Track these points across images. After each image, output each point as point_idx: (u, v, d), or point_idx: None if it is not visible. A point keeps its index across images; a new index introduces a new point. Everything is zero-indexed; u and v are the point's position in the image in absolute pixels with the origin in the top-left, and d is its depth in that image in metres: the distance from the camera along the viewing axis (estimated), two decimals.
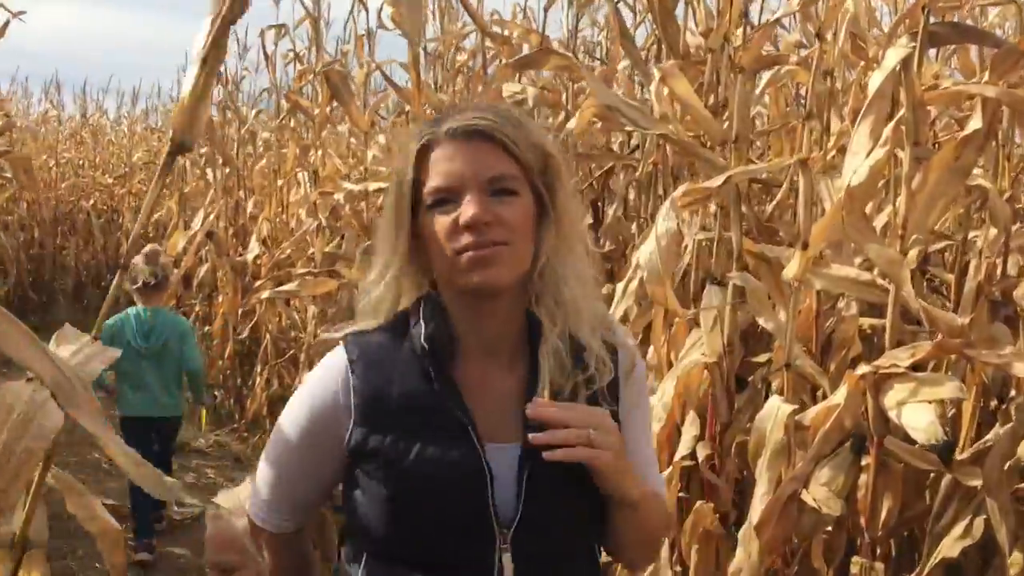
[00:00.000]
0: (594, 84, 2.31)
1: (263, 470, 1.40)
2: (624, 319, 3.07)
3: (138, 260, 4.60)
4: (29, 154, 4.13)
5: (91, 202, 12.67)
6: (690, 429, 2.36)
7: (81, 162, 13.24)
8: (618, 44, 3.46)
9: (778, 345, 2.36)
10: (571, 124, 2.88)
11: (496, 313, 1.28)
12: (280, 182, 6.10)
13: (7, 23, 5.19)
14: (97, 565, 4.29)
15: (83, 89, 14.68)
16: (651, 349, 2.93)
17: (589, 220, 3.91)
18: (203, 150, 8.21)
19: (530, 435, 1.21)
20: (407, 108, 4.57)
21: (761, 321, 2.28)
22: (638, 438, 1.37)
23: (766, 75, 3.14)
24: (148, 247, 4.76)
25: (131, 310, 4.62)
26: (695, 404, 2.41)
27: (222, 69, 7.39)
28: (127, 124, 14.12)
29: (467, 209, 1.21)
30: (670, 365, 2.81)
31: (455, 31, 4.72)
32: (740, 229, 2.34)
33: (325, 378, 1.33)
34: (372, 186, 4.50)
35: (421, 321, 1.29)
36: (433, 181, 1.25)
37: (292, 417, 1.36)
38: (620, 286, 3.16)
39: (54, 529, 1.26)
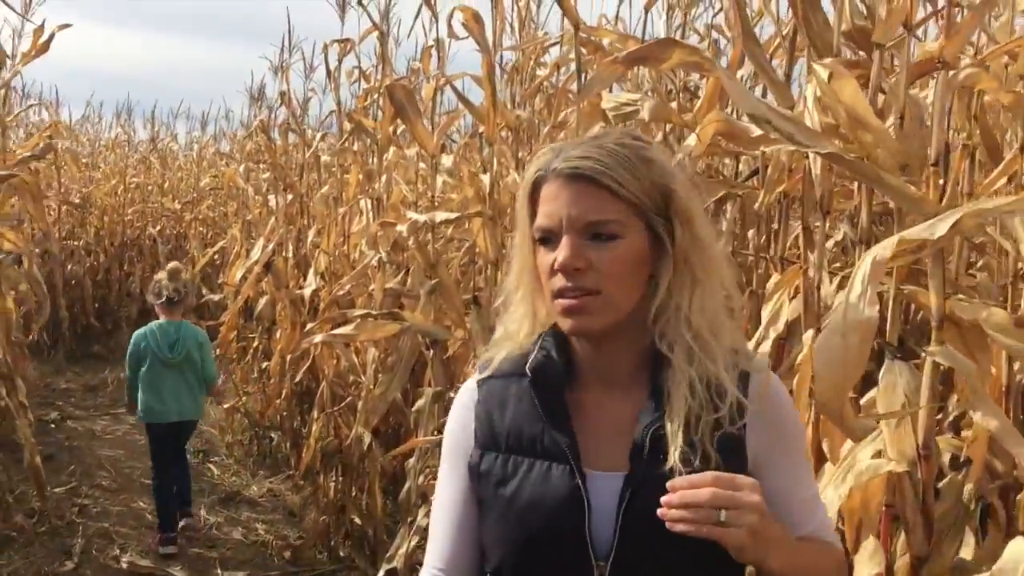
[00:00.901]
0: (733, 87, 1.69)
1: (432, 520, 1.42)
2: None
3: (162, 276, 5.09)
4: (36, 181, 3.71)
5: (158, 228, 12.44)
6: (868, 565, 1.68)
7: (149, 187, 13.05)
8: (737, 47, 2.82)
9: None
10: (689, 142, 2.25)
11: (611, 347, 1.31)
12: (342, 210, 5.57)
13: (51, 37, 4.83)
14: None
15: (152, 113, 14.57)
16: None
17: None
18: (266, 175, 7.80)
19: (659, 511, 1.13)
20: (481, 129, 3.99)
21: (977, 417, 1.60)
22: (789, 476, 1.30)
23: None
24: (171, 264, 5.25)
25: (155, 323, 5.04)
26: (873, 527, 1.74)
27: (285, 89, 6.96)
28: (197, 149, 13.94)
29: (560, 253, 1.25)
30: (820, 456, 2.15)
31: (537, 37, 4.13)
32: (943, 286, 1.67)
33: (459, 400, 1.42)
34: (439, 216, 3.93)
35: (537, 349, 1.34)
36: (539, 219, 1.29)
37: (444, 446, 1.43)
38: None
39: None
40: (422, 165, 4.76)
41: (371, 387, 4.40)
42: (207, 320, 8.71)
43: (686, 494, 1.12)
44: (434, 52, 4.32)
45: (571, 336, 1.31)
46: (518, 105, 4.23)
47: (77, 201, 11.31)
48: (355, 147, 5.59)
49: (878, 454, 1.81)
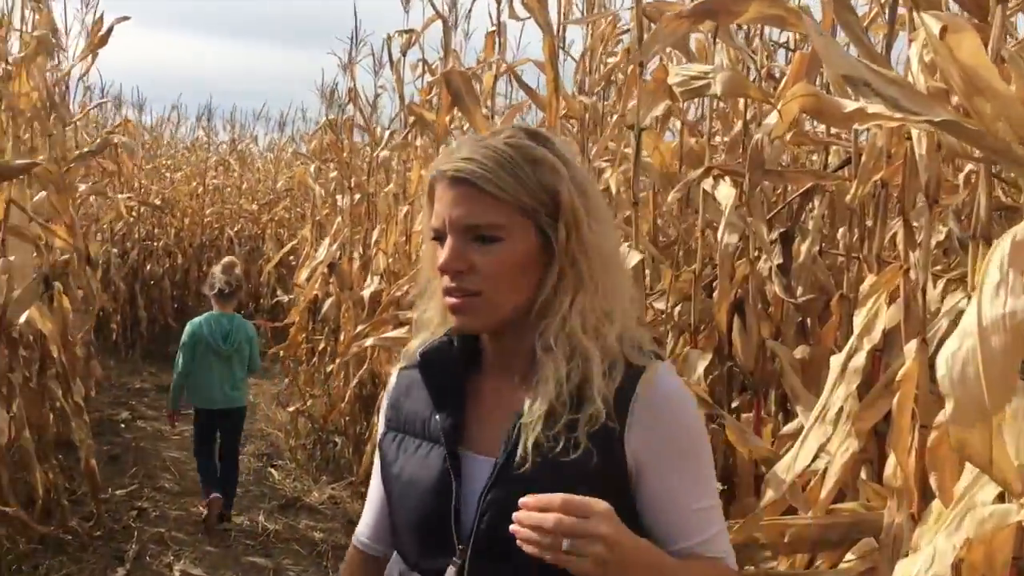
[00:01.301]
0: (824, 44, 1.38)
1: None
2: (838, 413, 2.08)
3: (216, 270, 5.34)
4: (59, 172, 3.57)
5: (235, 229, 12.50)
6: None
7: (228, 189, 13.14)
8: (828, 16, 2.47)
9: None
10: (770, 120, 1.92)
11: (507, 340, 1.33)
12: (404, 208, 5.36)
13: (109, 30, 4.74)
14: None
15: (232, 115, 14.71)
16: (889, 463, 1.92)
17: (778, 260, 2.91)
18: (334, 174, 7.67)
19: (510, 527, 1.13)
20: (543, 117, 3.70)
21: None
22: (675, 482, 1.26)
23: None
24: (226, 259, 5.53)
25: (209, 314, 5.24)
26: None
27: (352, 85, 6.80)
28: (275, 151, 14.01)
29: (443, 255, 1.28)
30: (924, 495, 1.80)
31: (607, 13, 3.82)
32: None
33: (387, 388, 1.50)
34: None
35: (441, 337, 1.38)
36: (432, 219, 1.32)
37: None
38: (834, 361, 2.17)
39: None
40: None
41: None
42: (278, 321, 8.67)
43: (533, 516, 1.11)
44: (498, 39, 4.05)
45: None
46: (585, 95, 3.94)
47: (157, 202, 11.42)
48: (418, 142, 5.36)
49: (1001, 496, 1.46)
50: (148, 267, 11.09)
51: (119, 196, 9.75)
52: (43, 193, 4.43)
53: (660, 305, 3.00)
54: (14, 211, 4.09)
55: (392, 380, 1.47)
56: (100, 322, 10.01)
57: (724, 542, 1.31)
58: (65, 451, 5.19)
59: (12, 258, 3.95)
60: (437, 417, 1.32)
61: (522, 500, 1.13)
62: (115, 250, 10.23)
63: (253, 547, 5.05)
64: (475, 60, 5.26)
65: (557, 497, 1.11)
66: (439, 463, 1.29)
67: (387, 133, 6.48)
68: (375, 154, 6.40)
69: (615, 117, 3.80)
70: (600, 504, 1.12)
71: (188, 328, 5.20)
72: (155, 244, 11.49)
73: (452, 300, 1.28)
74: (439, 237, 1.30)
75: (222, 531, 5.12)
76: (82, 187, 5.80)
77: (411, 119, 4.85)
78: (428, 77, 5.43)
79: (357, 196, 6.51)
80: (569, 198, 1.26)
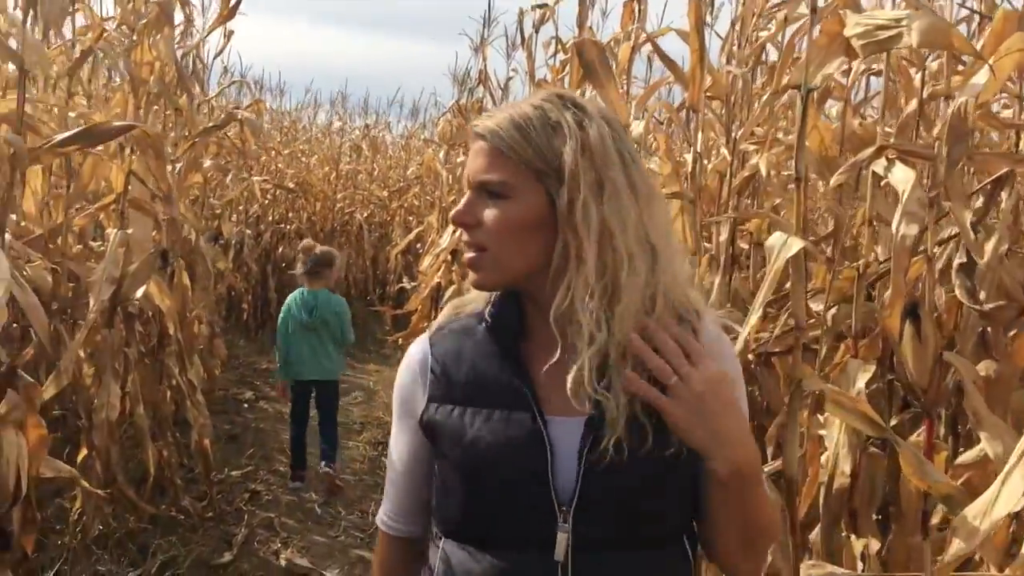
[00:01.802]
0: None
1: (387, 473, 1.48)
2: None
3: (301, 251, 5.92)
4: (159, 136, 3.42)
5: (365, 214, 12.55)
6: None
7: (360, 174, 13.21)
8: None
9: None
10: (978, 79, 1.52)
11: (532, 304, 1.33)
12: None
13: (237, 3, 4.65)
14: None
15: (366, 101, 14.81)
16: None
17: (962, 259, 2.47)
18: (461, 159, 7.47)
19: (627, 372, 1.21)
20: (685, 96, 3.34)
21: None
22: None
23: None
24: (305, 241, 6.19)
25: (298, 291, 5.77)
26: None
27: (483, 67, 6.56)
28: (406, 137, 14.01)
29: (456, 208, 1.31)
30: None
31: None
32: None
33: (410, 357, 1.42)
34: None
35: (490, 304, 1.37)
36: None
37: (394, 403, 1.44)
38: None
39: None
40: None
41: None
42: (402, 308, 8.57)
43: (657, 332, 1.21)
44: (637, 6, 3.69)
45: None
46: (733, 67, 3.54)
47: (291, 186, 11.56)
48: None
49: None
50: (280, 249, 11.22)
51: (255, 179, 9.89)
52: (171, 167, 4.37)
53: (815, 306, 2.61)
54: (134, 183, 4.02)
55: (420, 352, 1.40)
56: (232, 302, 10.21)
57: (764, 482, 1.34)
58: (183, 429, 5.15)
59: (130, 231, 3.87)
60: (515, 381, 1.29)
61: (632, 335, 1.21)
62: (249, 231, 10.39)
63: (362, 540, 4.90)
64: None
65: (666, 331, 1.22)
66: (525, 427, 1.26)
67: None
68: None
69: (765, 96, 3.39)
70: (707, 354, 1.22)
71: (283, 306, 5.80)
72: (287, 227, 11.64)
73: (466, 256, 1.32)
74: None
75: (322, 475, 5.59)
76: (207, 163, 5.76)
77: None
78: (561, 56, 5.11)
79: None
80: (574, 166, 1.25)
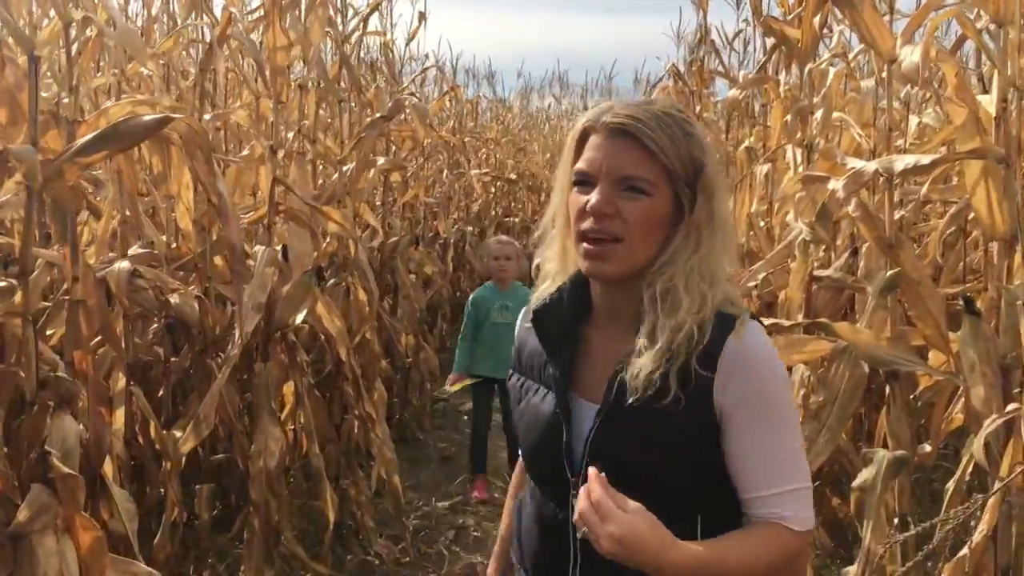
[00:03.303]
0: None
1: None
2: None
3: (491, 242, 5.66)
4: (203, 131, 2.75)
5: None
6: None
7: None
8: None
9: None
10: None
11: (612, 292, 1.44)
12: (764, 168, 4.05)
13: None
14: None
15: (584, 83, 14.06)
16: None
17: None
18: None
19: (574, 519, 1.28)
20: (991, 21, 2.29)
21: None
22: (751, 437, 1.35)
23: None
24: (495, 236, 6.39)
25: (488, 284, 5.53)
26: None
27: (702, 20, 5.56)
28: None
29: (593, 197, 1.36)
30: None
31: None
32: None
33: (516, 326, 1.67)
34: (902, 163, 2.30)
35: (554, 290, 1.50)
36: (579, 163, 1.41)
37: None
38: None
39: None
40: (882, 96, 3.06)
41: None
42: None
43: (581, 496, 1.27)
44: None
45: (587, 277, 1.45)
46: None
47: (512, 176, 11.04)
48: (782, 76, 4.00)
49: None
50: None
51: (472, 172, 9.41)
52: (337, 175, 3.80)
53: None
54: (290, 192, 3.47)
55: (518, 326, 1.63)
56: (455, 302, 9.81)
57: (798, 502, 1.37)
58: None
59: (280, 247, 3.32)
60: (551, 366, 1.45)
61: (592, 472, 1.28)
62: (470, 228, 9.95)
63: None
64: None
65: (594, 489, 1.24)
66: (551, 407, 1.45)
67: (740, 74, 5.18)
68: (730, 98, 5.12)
69: None
70: (630, 503, 1.24)
71: (471, 298, 5.51)
72: (512, 220, 11.13)
73: (591, 245, 1.37)
74: (582, 182, 1.39)
75: None
76: (380, 160, 5.20)
77: (770, 43, 3.54)
78: None
79: None
80: (713, 172, 1.39)
